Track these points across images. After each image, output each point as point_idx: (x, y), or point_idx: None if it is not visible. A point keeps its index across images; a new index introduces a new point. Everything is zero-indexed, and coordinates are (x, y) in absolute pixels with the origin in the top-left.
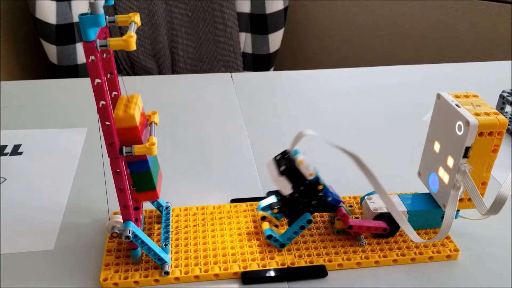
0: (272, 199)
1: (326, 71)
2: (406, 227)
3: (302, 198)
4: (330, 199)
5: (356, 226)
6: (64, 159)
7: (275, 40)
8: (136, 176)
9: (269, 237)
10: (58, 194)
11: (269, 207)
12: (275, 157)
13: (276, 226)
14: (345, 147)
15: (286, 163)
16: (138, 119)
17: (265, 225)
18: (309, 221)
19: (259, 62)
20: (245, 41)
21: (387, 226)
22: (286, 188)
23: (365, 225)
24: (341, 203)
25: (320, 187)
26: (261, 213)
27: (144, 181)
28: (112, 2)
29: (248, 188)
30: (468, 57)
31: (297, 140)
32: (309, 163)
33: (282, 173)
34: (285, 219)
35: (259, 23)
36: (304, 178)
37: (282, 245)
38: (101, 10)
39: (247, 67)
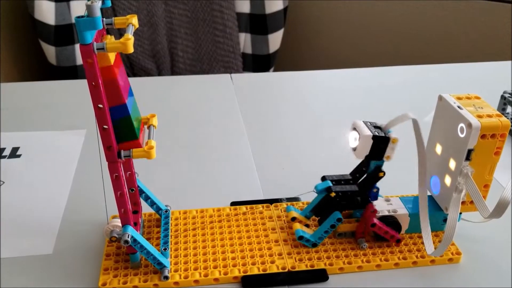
0: (329, 183)
1: (326, 72)
2: (427, 235)
3: (362, 184)
4: (375, 190)
5: (378, 226)
6: (62, 161)
7: (275, 40)
8: (117, 123)
9: (301, 238)
10: (56, 197)
11: (327, 190)
12: (363, 121)
13: (307, 225)
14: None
15: (380, 133)
16: (112, 59)
17: (296, 226)
18: (339, 220)
19: (259, 62)
20: (245, 41)
21: (400, 238)
22: (363, 151)
23: (385, 228)
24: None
25: (381, 174)
26: (292, 213)
27: (125, 129)
28: (110, 4)
29: (248, 190)
30: (468, 57)
31: (398, 121)
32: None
33: (374, 138)
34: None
35: (258, 23)
36: (382, 156)
37: (314, 245)
38: (98, 13)
39: (246, 68)
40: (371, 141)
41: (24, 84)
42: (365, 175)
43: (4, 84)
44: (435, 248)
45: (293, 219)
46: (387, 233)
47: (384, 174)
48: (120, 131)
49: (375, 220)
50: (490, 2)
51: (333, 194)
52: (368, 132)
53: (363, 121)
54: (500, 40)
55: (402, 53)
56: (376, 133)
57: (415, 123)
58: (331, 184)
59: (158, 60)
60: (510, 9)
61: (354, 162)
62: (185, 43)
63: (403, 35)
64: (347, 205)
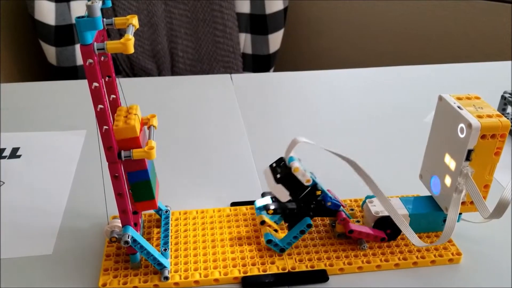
0: (268, 199)
1: (326, 72)
2: (407, 230)
3: (300, 203)
4: (329, 204)
5: (357, 231)
6: (62, 162)
7: (275, 40)
8: (134, 186)
9: (269, 241)
10: (56, 197)
11: (264, 207)
12: (271, 164)
13: (276, 230)
14: (340, 152)
15: (282, 171)
16: (138, 129)
17: (265, 230)
18: (309, 226)
19: (259, 62)
20: (245, 41)
21: (385, 236)
22: (284, 195)
23: (365, 231)
24: (341, 207)
25: (319, 193)
26: (261, 217)
27: (143, 190)
28: (110, 4)
29: (248, 191)
30: (468, 57)
31: (291, 148)
32: (305, 169)
33: (278, 181)
34: (285, 223)
35: (258, 23)
36: (302, 185)
37: (282, 250)
38: (98, 13)
39: (247, 68)
40: (281, 185)
41: (24, 84)
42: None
43: (4, 84)
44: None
45: (263, 222)
46: (369, 235)
47: (322, 191)
48: (138, 192)
49: (352, 226)
50: (490, 2)
51: (270, 212)
52: (273, 183)
53: (265, 173)
54: (500, 40)
55: (402, 53)
56: (278, 176)
57: (353, 164)
58: (270, 201)
59: (158, 60)
60: (510, 9)
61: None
62: (185, 43)
63: (403, 35)
64: (318, 213)
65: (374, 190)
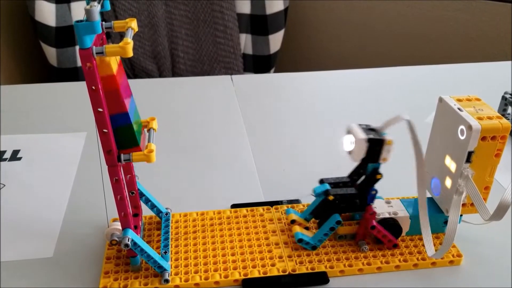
0: (327, 186)
1: (326, 73)
2: (427, 237)
3: (361, 187)
4: (373, 192)
5: (377, 229)
6: (63, 164)
7: (276, 41)
8: (117, 131)
9: (300, 240)
10: (57, 200)
11: (325, 193)
12: (359, 124)
13: (307, 228)
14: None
15: (375, 135)
16: (115, 69)
17: (296, 229)
18: (339, 222)
19: (260, 63)
20: (246, 42)
21: (397, 243)
22: (359, 154)
23: (384, 232)
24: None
25: (379, 176)
26: (291, 216)
27: (126, 136)
28: (109, 8)
29: (248, 193)
30: (468, 57)
31: (392, 122)
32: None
33: (369, 140)
34: (315, 220)
35: (259, 24)
36: (378, 158)
37: (314, 247)
38: (97, 17)
39: (247, 68)
40: (366, 144)
41: (25, 86)
42: (362, 178)
43: (4, 86)
44: (435, 250)
45: (293, 221)
46: (385, 237)
47: (382, 176)
48: (121, 138)
49: (375, 223)
50: (490, 2)
51: (331, 197)
52: (362, 135)
53: (358, 124)
54: (500, 40)
55: (403, 53)
56: (371, 136)
57: (410, 124)
58: (329, 187)
59: (159, 61)
60: (510, 9)
61: (354, 163)
62: (185, 44)
63: (404, 36)
64: (346, 208)
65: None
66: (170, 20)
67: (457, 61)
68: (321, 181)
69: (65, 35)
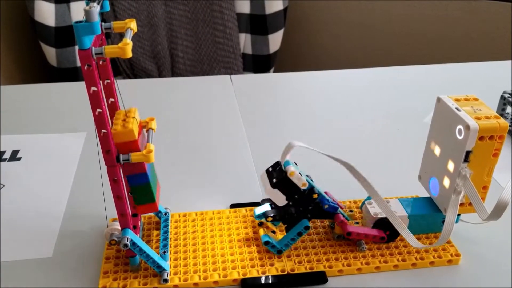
0: (267, 206)
1: (325, 72)
2: (404, 232)
3: (298, 207)
4: (326, 206)
5: (355, 233)
6: (62, 164)
7: (275, 40)
8: (135, 189)
9: (267, 243)
10: (56, 200)
11: (264, 215)
12: (267, 169)
13: (274, 232)
14: (336, 156)
15: (277, 175)
16: (136, 133)
17: (262, 231)
18: (307, 228)
19: (259, 63)
20: (245, 42)
21: (384, 235)
22: (281, 199)
23: (364, 232)
24: (339, 209)
25: (315, 196)
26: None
27: (144, 193)
28: (108, 9)
29: (247, 192)
30: (468, 57)
31: (287, 151)
32: (301, 172)
33: (274, 185)
34: (283, 224)
35: (258, 23)
36: (298, 189)
37: (280, 252)
38: (96, 18)
39: (247, 68)
40: (277, 191)
41: (24, 86)
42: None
43: (4, 86)
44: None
45: (260, 224)
46: (367, 236)
47: (319, 193)
48: (139, 195)
49: (349, 228)
50: (490, 2)
51: (269, 219)
52: (268, 186)
53: (262, 178)
54: (500, 40)
55: (403, 53)
56: (274, 180)
57: (349, 167)
58: (269, 208)
59: (158, 61)
60: (510, 8)
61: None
62: (185, 43)
63: (403, 35)
64: (315, 215)
65: (371, 192)
66: (169, 20)
67: (457, 60)
68: (262, 202)
69: (64, 35)
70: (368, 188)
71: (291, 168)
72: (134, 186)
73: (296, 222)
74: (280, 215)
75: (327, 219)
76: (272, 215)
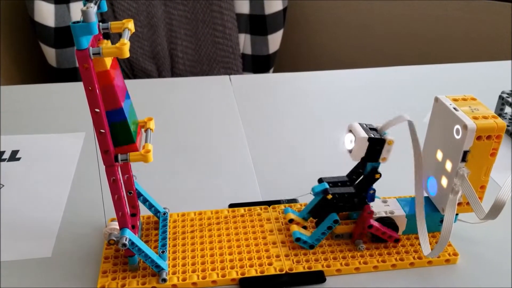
0: (325, 185)
1: (325, 72)
2: (423, 236)
3: (359, 186)
4: (371, 192)
5: (375, 228)
6: (62, 164)
7: (275, 41)
8: (112, 126)
9: (298, 239)
10: (55, 200)
11: (323, 192)
12: (362, 123)
13: (304, 227)
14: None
15: (376, 135)
16: (108, 64)
17: (294, 228)
18: (336, 221)
19: (259, 63)
20: (244, 42)
21: (399, 237)
22: (359, 153)
23: (383, 229)
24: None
25: (378, 176)
26: (289, 215)
27: (122, 132)
28: (105, 9)
29: (246, 192)
30: (468, 57)
31: (394, 123)
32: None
33: (370, 140)
34: (313, 219)
35: (258, 24)
36: (378, 158)
37: (312, 247)
38: (93, 18)
39: (246, 68)
40: (367, 143)
41: (23, 86)
42: (361, 177)
43: (4, 87)
44: (431, 249)
45: (291, 221)
46: (384, 234)
47: (380, 175)
48: (117, 135)
49: (372, 222)
50: (491, 2)
51: (329, 196)
52: (363, 134)
53: (359, 123)
54: (500, 40)
55: (402, 53)
56: (372, 135)
57: (411, 125)
58: (327, 186)
59: (158, 61)
60: (510, 8)
61: (352, 163)
62: (185, 44)
63: (403, 35)
64: (344, 207)
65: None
66: (169, 20)
67: (457, 61)
68: (320, 180)
69: (64, 35)
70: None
71: (389, 137)
72: (112, 124)
73: (325, 216)
74: (340, 193)
75: (353, 210)
76: (332, 192)
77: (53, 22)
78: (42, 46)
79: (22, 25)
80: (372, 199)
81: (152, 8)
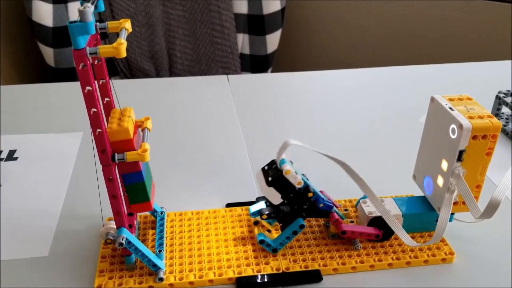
0: (262, 204)
1: (323, 72)
2: (399, 230)
3: (293, 205)
4: (321, 205)
5: (350, 232)
6: (59, 164)
7: (273, 40)
8: (130, 187)
9: (262, 242)
10: (53, 200)
11: (259, 212)
12: (263, 167)
13: (269, 231)
14: (332, 154)
15: (273, 174)
16: (132, 131)
17: (258, 230)
18: (302, 226)
19: (257, 63)
20: (243, 42)
21: (379, 233)
22: (276, 198)
23: (358, 231)
24: (334, 208)
25: (310, 195)
26: (255, 218)
27: (138, 192)
28: (103, 9)
29: (243, 192)
30: (468, 57)
31: (283, 150)
32: (297, 171)
33: (269, 184)
34: (278, 223)
35: (256, 24)
36: (293, 187)
37: (275, 250)
38: (90, 18)
39: (244, 68)
40: (273, 188)
41: (20, 86)
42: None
43: (1, 86)
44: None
45: (256, 223)
46: (362, 234)
47: (314, 192)
48: (133, 194)
49: (344, 227)
50: (490, 2)
51: (264, 217)
52: (264, 185)
53: (258, 176)
54: (500, 40)
55: (400, 53)
56: (269, 179)
57: (346, 167)
58: (264, 206)
59: (156, 61)
60: (510, 9)
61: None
62: (183, 44)
63: (402, 35)
64: (309, 214)
65: (366, 191)
66: (167, 20)
67: (456, 61)
68: (257, 200)
69: (62, 35)
70: (363, 187)
71: (286, 167)
72: (129, 185)
73: (291, 221)
74: (275, 213)
75: (322, 218)
76: (267, 212)
77: (51, 21)
78: (40, 46)
79: (20, 25)
80: (330, 208)
81: (150, 8)
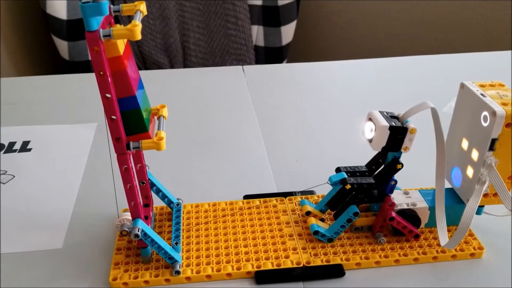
0: (343, 174)
1: (339, 63)
2: (441, 226)
3: (378, 176)
4: (393, 183)
5: (397, 221)
6: (73, 155)
7: (288, 32)
8: (125, 115)
9: (316, 232)
10: (67, 191)
11: (342, 182)
12: (383, 111)
13: (322, 220)
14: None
15: (397, 123)
16: (121, 49)
17: (311, 220)
18: (356, 214)
19: (272, 55)
20: (257, 34)
21: (419, 234)
22: (380, 142)
23: (404, 223)
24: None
25: (399, 166)
26: (306, 207)
27: (134, 121)
28: None
29: (261, 183)
30: (487, 46)
31: (417, 110)
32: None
33: (391, 128)
34: (331, 211)
35: (271, 15)
36: (400, 147)
37: (330, 240)
38: None
39: (259, 60)
40: (388, 132)
41: (35, 78)
42: (382, 167)
43: (15, 78)
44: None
45: (308, 213)
46: (405, 228)
47: (402, 166)
48: (129, 123)
49: (394, 214)
50: None
51: (348, 186)
52: (384, 123)
53: (379, 111)
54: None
55: (418, 42)
56: (393, 123)
57: (434, 112)
58: (346, 176)
59: (170, 53)
60: None
61: (369, 154)
62: (197, 36)
63: (419, 24)
64: (364, 198)
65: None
66: (181, 12)
67: (475, 50)
68: (338, 170)
69: (76, 28)
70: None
71: (412, 125)
72: (125, 112)
73: (344, 209)
74: (359, 183)
75: (373, 202)
76: (350, 182)
77: (65, 14)
78: (54, 39)
79: (34, 18)
80: (392, 191)
81: (164, 1)
